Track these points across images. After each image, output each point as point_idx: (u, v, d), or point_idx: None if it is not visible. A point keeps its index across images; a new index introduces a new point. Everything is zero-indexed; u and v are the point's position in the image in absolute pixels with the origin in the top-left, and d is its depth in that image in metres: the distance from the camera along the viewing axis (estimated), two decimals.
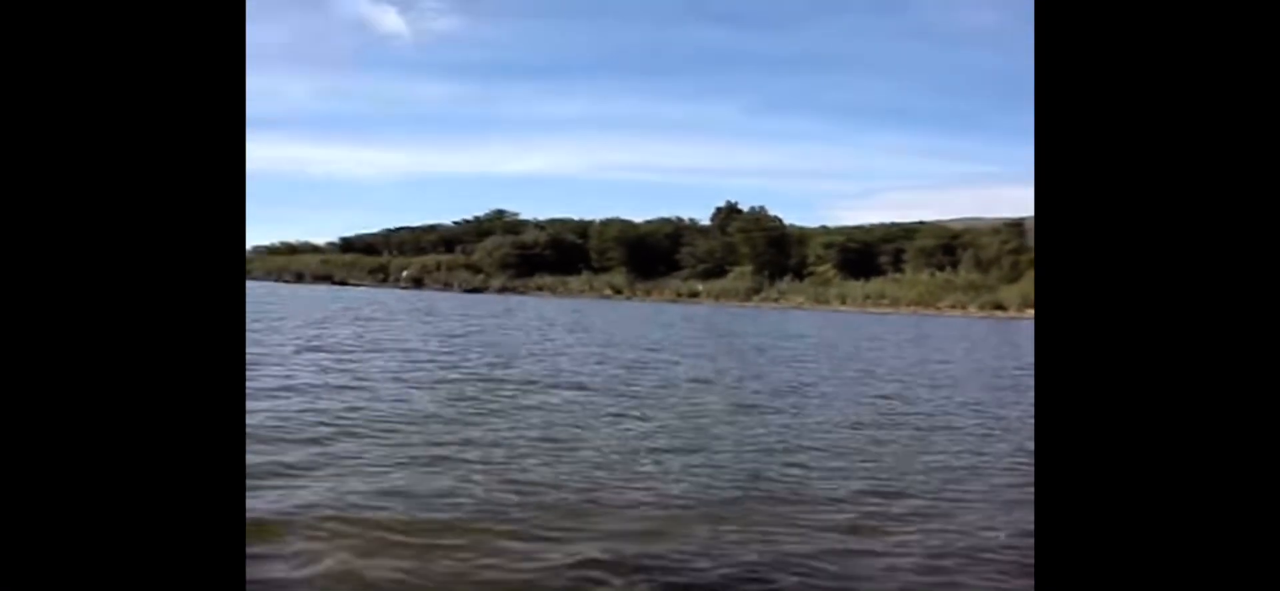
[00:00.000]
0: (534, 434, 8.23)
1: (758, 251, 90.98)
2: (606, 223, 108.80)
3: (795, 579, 4.36)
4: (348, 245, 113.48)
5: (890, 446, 8.43)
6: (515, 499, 5.69)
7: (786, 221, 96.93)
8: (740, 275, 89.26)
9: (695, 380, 14.04)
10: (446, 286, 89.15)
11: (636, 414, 9.94)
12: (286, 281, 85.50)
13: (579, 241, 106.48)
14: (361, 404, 9.68)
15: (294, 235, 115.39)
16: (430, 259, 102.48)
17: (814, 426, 9.50)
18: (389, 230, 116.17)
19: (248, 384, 10.95)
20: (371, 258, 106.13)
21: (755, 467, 7.10)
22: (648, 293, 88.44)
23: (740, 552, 4.74)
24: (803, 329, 35.49)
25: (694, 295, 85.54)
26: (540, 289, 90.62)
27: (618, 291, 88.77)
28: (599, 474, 6.59)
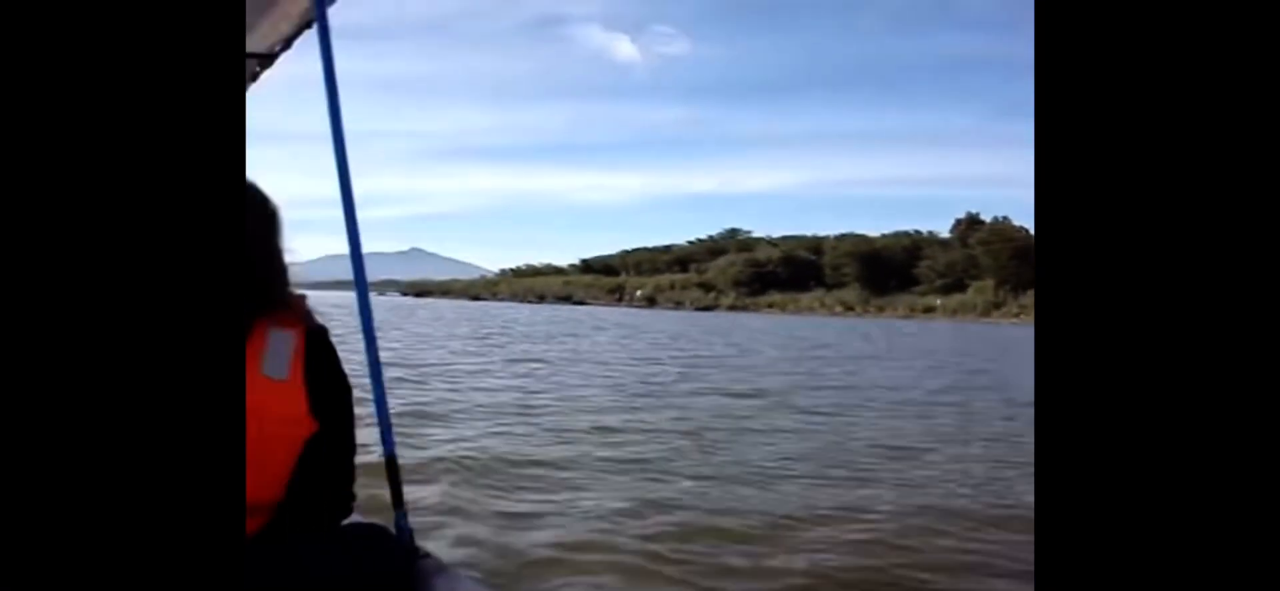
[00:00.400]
0: (666, 428, 9.48)
1: (1000, 264, 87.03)
2: (840, 238, 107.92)
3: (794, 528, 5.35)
4: (587, 266, 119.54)
5: (992, 448, 8.97)
6: (604, 464, 7.03)
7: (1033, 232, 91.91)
8: (980, 289, 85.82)
9: (847, 386, 14.74)
10: (677, 305, 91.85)
11: (778, 413, 10.95)
12: (529, 302, 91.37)
13: (812, 258, 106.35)
14: (537, 402, 11.38)
15: (538, 258, 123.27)
16: (665, 278, 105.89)
17: (939, 433, 10.16)
18: (626, 251, 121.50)
19: (454, 383, 13.01)
20: (609, 278, 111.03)
21: (850, 459, 7.99)
22: (881, 309, 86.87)
23: (765, 507, 5.78)
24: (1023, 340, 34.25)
25: (929, 311, 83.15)
26: (770, 306, 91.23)
27: (849, 308, 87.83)
28: (688, 455, 7.76)
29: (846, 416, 11.00)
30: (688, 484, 6.58)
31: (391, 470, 2.06)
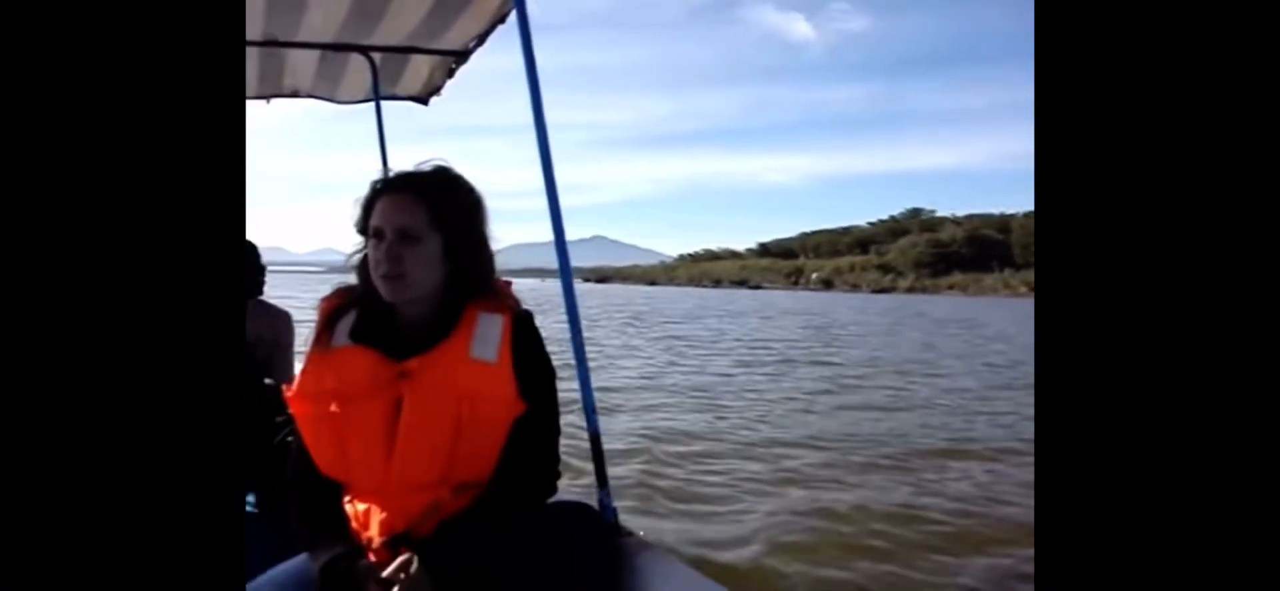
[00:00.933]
0: (773, 397, 10.80)
1: None
2: (1030, 215, 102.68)
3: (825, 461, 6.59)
4: (765, 250, 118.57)
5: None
6: (714, 428, 8.45)
7: None
8: None
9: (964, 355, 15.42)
10: (855, 288, 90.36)
11: (884, 377, 12.01)
12: (705, 286, 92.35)
13: (999, 237, 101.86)
14: (661, 377, 12.95)
15: (717, 242, 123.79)
16: (844, 261, 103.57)
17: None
18: (805, 233, 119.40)
19: (599, 346, 14.73)
20: (787, 261, 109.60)
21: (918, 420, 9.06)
22: None
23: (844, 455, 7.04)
24: None
25: None
26: (951, 288, 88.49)
27: (1034, 289, 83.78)
28: (772, 422, 9.06)
29: (946, 391, 11.93)
30: (764, 430, 7.95)
31: (596, 449, 2.08)
